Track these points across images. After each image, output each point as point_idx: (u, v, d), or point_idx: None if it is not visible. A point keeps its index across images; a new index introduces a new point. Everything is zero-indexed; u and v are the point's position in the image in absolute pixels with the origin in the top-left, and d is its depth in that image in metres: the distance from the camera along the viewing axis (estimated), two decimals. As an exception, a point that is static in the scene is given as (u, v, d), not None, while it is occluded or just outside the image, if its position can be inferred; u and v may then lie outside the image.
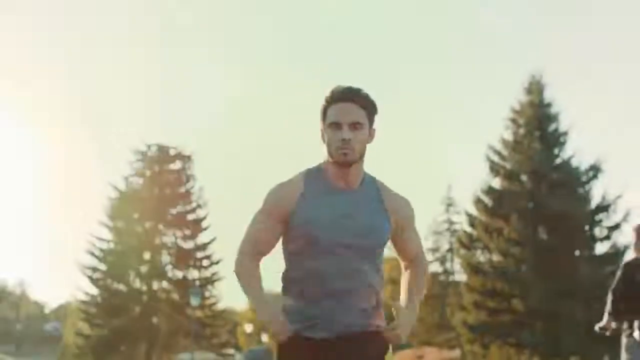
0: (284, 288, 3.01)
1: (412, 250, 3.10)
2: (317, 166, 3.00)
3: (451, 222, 39.52)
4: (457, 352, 34.94)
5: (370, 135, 2.94)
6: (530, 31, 70.73)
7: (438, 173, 70.19)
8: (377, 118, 2.98)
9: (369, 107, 2.91)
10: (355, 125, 2.86)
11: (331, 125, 2.87)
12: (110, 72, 79.92)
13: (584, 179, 28.60)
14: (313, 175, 2.97)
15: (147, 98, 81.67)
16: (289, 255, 2.98)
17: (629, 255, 6.11)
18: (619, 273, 6.19)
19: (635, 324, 5.92)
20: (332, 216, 2.88)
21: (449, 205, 39.60)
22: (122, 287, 35.47)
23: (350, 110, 2.86)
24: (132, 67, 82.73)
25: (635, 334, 5.90)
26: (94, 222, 36.37)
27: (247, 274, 2.98)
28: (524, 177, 28.53)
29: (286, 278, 3.00)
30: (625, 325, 6.02)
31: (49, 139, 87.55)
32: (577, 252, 27.96)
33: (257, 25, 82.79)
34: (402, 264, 3.17)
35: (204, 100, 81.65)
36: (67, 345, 58.80)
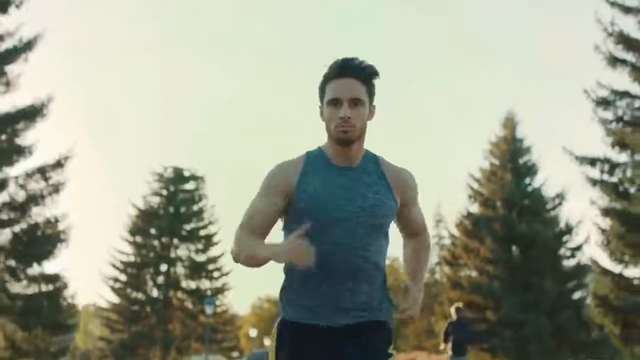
0: (287, 277, 3.02)
1: (416, 224, 3.14)
2: (317, 148, 3.04)
3: (440, 237, 45.27)
4: (444, 357, 40.68)
5: (371, 112, 2.96)
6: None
7: (430, 190, 75.60)
8: (377, 91, 2.99)
9: (370, 83, 2.93)
10: (355, 102, 2.87)
11: (330, 102, 2.89)
12: (129, 91, 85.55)
13: (550, 205, 34.34)
14: (314, 154, 3.00)
15: (163, 120, 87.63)
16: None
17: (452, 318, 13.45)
18: (445, 325, 12.35)
19: (449, 346, 12.45)
20: (336, 192, 2.90)
21: (439, 221, 45.36)
22: (140, 295, 40.59)
23: (350, 86, 2.87)
24: (145, 87, 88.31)
25: (449, 353, 12.39)
26: (115, 237, 41.97)
27: (248, 239, 2.91)
28: (498, 204, 34.26)
29: (288, 265, 2.96)
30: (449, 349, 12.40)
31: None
32: (544, 270, 33.59)
33: (265, 38, 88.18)
34: (403, 237, 3.21)
35: (216, 122, 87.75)
36: (76, 348, 64.31)
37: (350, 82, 2.88)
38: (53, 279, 21.69)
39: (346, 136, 2.87)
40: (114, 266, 40.62)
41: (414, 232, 3.17)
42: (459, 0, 79.45)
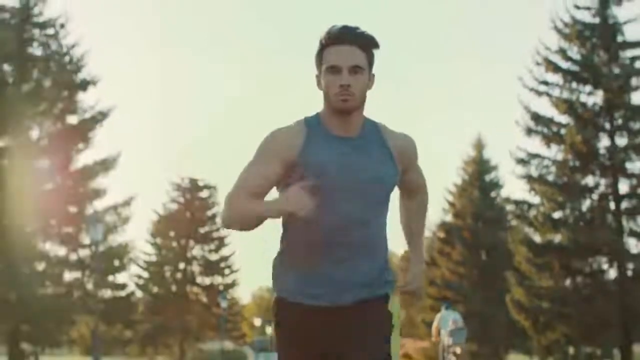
0: (283, 254, 3.18)
1: (415, 185, 3.37)
2: (314, 115, 3.14)
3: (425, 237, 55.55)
4: (426, 343, 50.81)
5: (370, 80, 3.08)
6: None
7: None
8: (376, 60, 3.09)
9: (369, 50, 3.05)
10: (355, 70, 2.99)
11: (329, 70, 3.00)
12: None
13: (511, 216, 44.58)
14: (313, 123, 3.10)
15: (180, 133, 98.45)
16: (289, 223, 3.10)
17: None
18: None
19: None
20: (340, 163, 3.03)
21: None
22: (161, 290, 49.40)
23: (349, 53, 2.99)
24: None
25: None
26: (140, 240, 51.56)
27: (242, 199, 3.04)
28: (467, 215, 44.53)
29: (286, 239, 3.17)
30: None
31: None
32: (506, 271, 43.82)
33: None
34: (401, 195, 3.41)
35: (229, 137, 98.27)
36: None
37: (350, 49, 2.99)
38: (123, 287, 32.28)
39: (346, 105, 2.99)
40: (138, 265, 48.93)
41: (412, 192, 3.38)
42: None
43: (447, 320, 18.83)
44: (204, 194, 51.88)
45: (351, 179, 3.03)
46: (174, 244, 50.48)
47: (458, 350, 18.51)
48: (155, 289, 50.21)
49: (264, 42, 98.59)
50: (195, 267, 50.74)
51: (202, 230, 51.00)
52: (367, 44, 3.05)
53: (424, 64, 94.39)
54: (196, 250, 50.88)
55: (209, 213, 51.57)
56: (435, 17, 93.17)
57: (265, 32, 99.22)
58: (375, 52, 3.10)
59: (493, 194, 45.15)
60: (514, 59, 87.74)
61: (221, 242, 51.36)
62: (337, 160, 3.04)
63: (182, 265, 50.23)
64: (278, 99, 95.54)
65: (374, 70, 3.14)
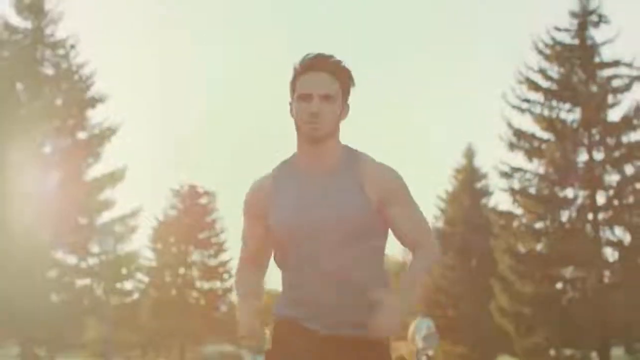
0: (282, 288, 3.25)
1: (404, 232, 3.12)
2: (291, 156, 3.17)
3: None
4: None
5: (344, 110, 3.07)
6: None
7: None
8: (353, 92, 3.09)
9: (343, 78, 3.04)
10: (326, 97, 2.98)
11: (300, 97, 3.01)
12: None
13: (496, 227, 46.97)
14: (284, 168, 3.15)
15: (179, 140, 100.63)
16: (274, 258, 3.24)
17: None
18: None
19: None
20: (301, 205, 3.05)
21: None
22: (162, 295, 50.84)
23: (321, 81, 2.99)
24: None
25: None
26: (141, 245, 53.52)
27: (240, 283, 3.29)
28: (458, 222, 46.95)
29: (282, 272, 3.24)
30: None
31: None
32: (495, 276, 46.20)
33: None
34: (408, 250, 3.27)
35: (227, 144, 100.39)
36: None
37: (322, 76, 3.00)
38: (130, 293, 34.69)
39: (315, 133, 2.99)
40: (138, 269, 51.87)
41: (405, 244, 3.18)
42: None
43: (421, 327, 21.50)
44: (203, 200, 53.64)
45: (311, 220, 3.06)
46: (174, 249, 52.10)
47: (430, 352, 21.20)
48: (155, 294, 51.77)
49: (269, 50, 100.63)
50: (195, 272, 52.37)
51: (201, 236, 52.60)
52: (339, 71, 3.06)
53: (420, 66, 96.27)
54: (195, 256, 52.43)
55: (208, 219, 53.26)
56: (433, 22, 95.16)
57: (272, 42, 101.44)
58: (351, 80, 3.13)
59: (483, 202, 47.54)
60: (508, 71, 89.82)
61: (220, 248, 53.04)
62: (298, 203, 3.09)
63: (182, 270, 51.94)
64: (277, 105, 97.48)
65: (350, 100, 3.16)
